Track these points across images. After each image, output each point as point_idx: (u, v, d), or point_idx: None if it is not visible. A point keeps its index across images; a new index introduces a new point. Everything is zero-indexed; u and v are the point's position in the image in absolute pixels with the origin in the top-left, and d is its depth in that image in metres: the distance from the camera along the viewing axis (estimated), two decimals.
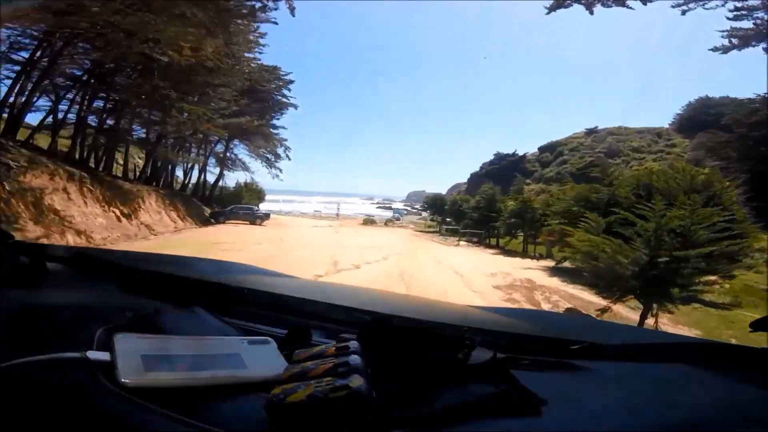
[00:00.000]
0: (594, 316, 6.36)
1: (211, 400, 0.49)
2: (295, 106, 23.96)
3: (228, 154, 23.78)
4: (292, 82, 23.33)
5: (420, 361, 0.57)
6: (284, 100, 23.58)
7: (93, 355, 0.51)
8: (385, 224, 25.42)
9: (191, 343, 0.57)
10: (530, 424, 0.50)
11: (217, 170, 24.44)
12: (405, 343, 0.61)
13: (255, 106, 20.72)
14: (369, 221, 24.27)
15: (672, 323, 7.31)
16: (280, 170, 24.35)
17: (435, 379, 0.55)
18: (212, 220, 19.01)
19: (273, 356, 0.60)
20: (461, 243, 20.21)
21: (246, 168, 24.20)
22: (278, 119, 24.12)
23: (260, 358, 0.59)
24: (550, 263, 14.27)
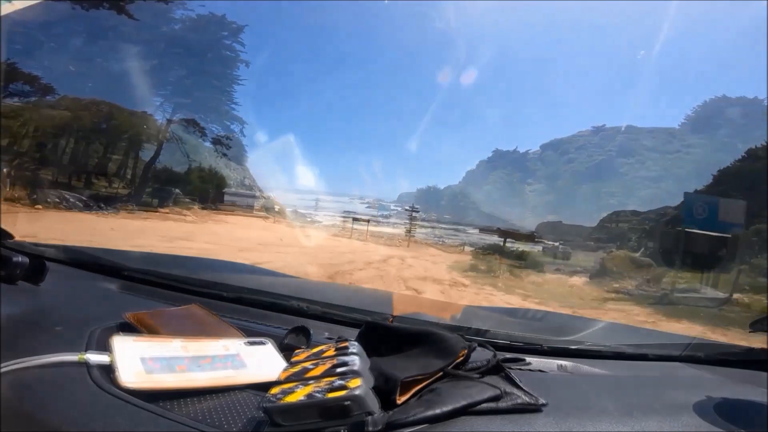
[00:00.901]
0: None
1: (210, 401, 0.49)
2: (246, 63, 18.23)
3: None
4: (241, 30, 17.62)
5: (420, 362, 0.56)
6: (230, 54, 17.89)
7: (93, 357, 0.51)
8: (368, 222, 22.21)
9: (190, 344, 0.57)
10: (530, 424, 0.50)
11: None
12: (405, 344, 0.61)
13: (181, 57, 15.40)
14: (354, 219, 21.13)
15: None
16: (228, 146, 19.52)
17: (435, 379, 0.55)
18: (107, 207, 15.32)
19: (272, 357, 0.60)
20: (466, 249, 16.68)
21: (180, 139, 18.72)
22: (229, 87, 18.49)
23: (259, 359, 0.59)
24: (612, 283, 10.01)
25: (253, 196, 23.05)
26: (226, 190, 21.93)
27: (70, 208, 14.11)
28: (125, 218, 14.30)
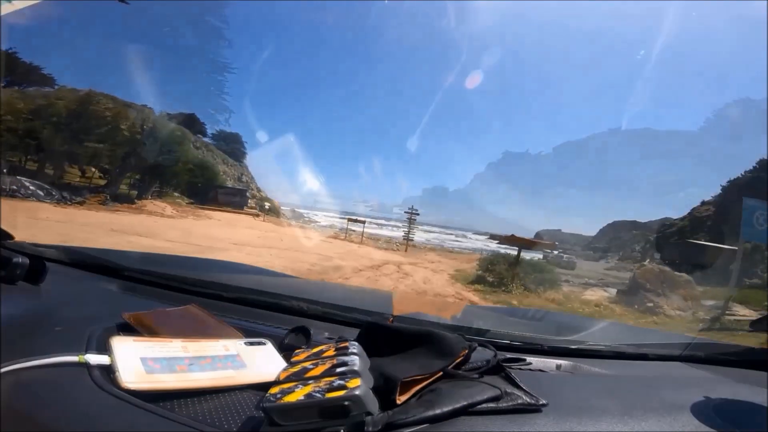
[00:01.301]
0: None
1: (210, 401, 0.49)
2: (227, 40, 17.35)
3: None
4: (223, 6, 16.44)
5: (420, 362, 0.56)
6: (214, 33, 16.82)
7: (93, 358, 0.51)
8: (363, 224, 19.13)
9: (190, 344, 0.57)
10: (530, 424, 0.50)
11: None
12: (405, 344, 0.61)
13: (163, 42, 14.80)
14: (350, 220, 19.42)
15: None
16: (212, 137, 18.75)
17: (435, 379, 0.55)
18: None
19: (272, 357, 0.60)
20: (469, 255, 14.73)
21: (162, 129, 17.02)
22: (218, 74, 16.99)
23: (259, 359, 0.59)
24: None
25: (245, 193, 21.86)
26: (218, 185, 20.77)
27: (28, 196, 12.78)
28: (88, 209, 12.90)
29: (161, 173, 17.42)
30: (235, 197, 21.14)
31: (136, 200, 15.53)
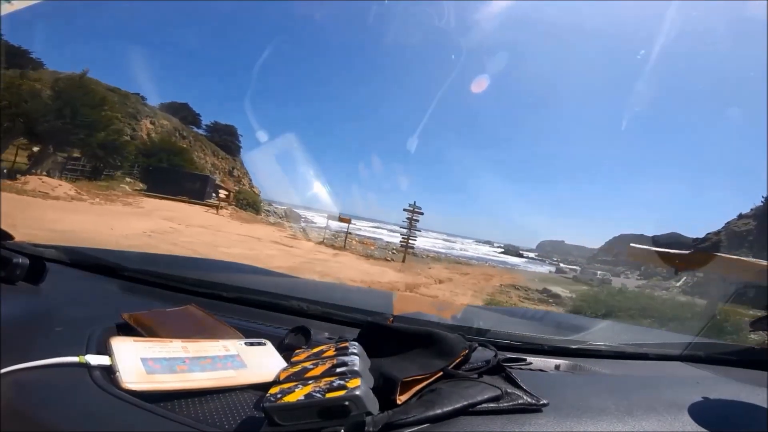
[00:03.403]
0: None
1: (210, 401, 0.49)
2: (226, 38, 15.74)
3: None
4: None
5: (420, 362, 0.56)
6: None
7: (93, 359, 0.51)
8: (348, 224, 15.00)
9: (190, 345, 0.57)
10: (531, 423, 0.50)
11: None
12: (405, 344, 0.61)
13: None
14: (330, 218, 15.68)
15: None
16: (199, 128, 17.03)
17: (435, 379, 0.55)
18: None
19: (272, 357, 0.60)
20: (488, 268, 11.19)
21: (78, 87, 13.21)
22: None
23: (259, 359, 0.59)
24: None
25: (207, 181, 19.27)
26: (179, 171, 18.36)
27: None
28: None
29: (72, 144, 13.46)
30: (194, 185, 18.17)
31: (19, 175, 12.16)
